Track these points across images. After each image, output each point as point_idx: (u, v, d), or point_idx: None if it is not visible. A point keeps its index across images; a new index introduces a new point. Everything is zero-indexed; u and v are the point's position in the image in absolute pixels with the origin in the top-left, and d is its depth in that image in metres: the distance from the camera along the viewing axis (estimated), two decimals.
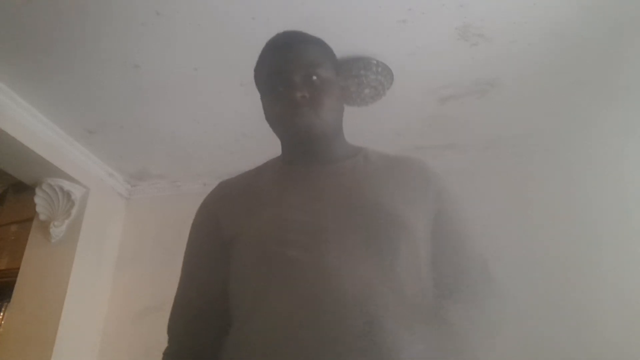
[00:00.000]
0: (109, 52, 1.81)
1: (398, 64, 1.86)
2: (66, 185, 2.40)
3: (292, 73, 0.92)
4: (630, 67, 1.86)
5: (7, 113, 2.02)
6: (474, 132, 2.29)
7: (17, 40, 1.75)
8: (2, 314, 2.86)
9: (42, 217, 2.42)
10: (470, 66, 1.87)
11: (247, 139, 2.32)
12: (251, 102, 2.11)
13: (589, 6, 1.59)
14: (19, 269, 2.37)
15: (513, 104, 2.08)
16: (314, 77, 0.93)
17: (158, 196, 2.77)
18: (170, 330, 0.96)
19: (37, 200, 2.41)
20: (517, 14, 1.64)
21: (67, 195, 2.42)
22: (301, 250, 0.81)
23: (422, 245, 0.88)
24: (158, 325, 2.74)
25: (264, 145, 2.67)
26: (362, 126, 2.10)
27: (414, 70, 1.90)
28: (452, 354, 0.80)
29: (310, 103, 0.90)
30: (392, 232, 0.84)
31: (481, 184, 2.22)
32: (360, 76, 1.87)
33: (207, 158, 2.53)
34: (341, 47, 1.76)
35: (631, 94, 2.00)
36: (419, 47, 1.79)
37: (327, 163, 0.95)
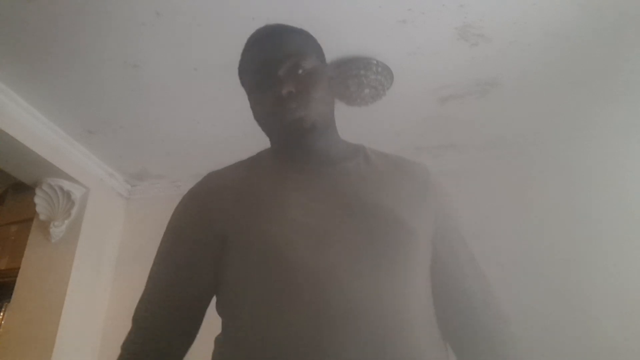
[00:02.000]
0: (109, 52, 1.81)
1: (398, 64, 1.86)
2: (66, 185, 2.40)
3: (275, 67, 0.88)
4: (630, 67, 1.86)
5: (7, 113, 2.02)
6: (474, 132, 2.28)
7: (18, 40, 1.75)
8: (2, 314, 2.86)
9: (42, 217, 2.42)
10: (470, 66, 1.87)
11: (247, 139, 2.30)
12: None
13: (589, 6, 1.59)
14: (19, 269, 2.37)
15: (513, 104, 2.08)
16: (300, 71, 0.89)
17: (158, 196, 2.76)
18: (137, 319, 0.90)
19: (37, 200, 2.41)
20: (517, 14, 1.63)
21: (67, 195, 2.42)
22: (306, 253, 0.79)
23: (424, 249, 0.87)
24: None
25: (264, 145, 2.67)
26: (362, 126, 2.10)
27: (414, 70, 1.90)
28: None
29: (297, 98, 0.87)
30: (397, 236, 0.83)
31: (481, 184, 2.22)
32: (360, 76, 1.87)
33: (207, 158, 2.52)
34: (341, 47, 1.76)
35: (631, 94, 2.00)
36: (419, 47, 1.79)
37: (326, 163, 0.92)
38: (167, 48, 1.79)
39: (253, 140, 2.61)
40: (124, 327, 0.93)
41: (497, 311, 0.90)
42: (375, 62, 1.84)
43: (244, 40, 1.01)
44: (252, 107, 0.97)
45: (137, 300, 0.93)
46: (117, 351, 0.90)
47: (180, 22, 1.67)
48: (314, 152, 0.92)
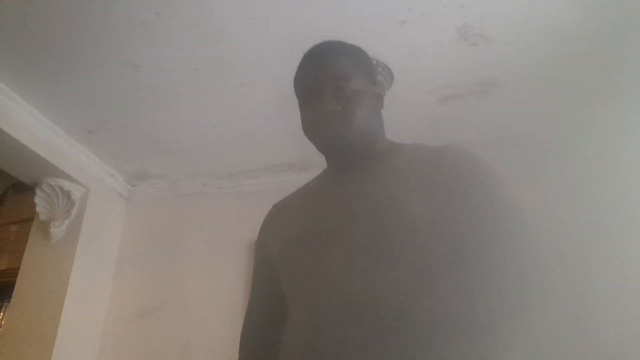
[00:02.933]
0: (109, 52, 1.81)
1: (398, 64, 1.86)
2: (66, 185, 2.40)
3: (322, 86, 0.93)
4: (630, 67, 1.86)
5: (7, 113, 2.02)
6: (474, 132, 2.28)
7: (18, 41, 1.75)
8: (2, 314, 2.86)
9: (42, 217, 2.42)
10: (470, 66, 1.87)
11: (247, 139, 2.32)
12: (251, 102, 2.13)
13: (589, 6, 1.59)
14: (19, 269, 2.37)
15: (513, 104, 2.08)
16: (346, 91, 0.93)
17: (158, 196, 2.77)
18: (241, 343, 1.04)
19: (37, 200, 2.41)
20: (517, 14, 1.64)
21: (67, 195, 2.42)
22: (310, 259, 0.85)
23: (436, 238, 0.81)
24: (158, 325, 2.76)
25: (264, 145, 2.69)
26: None
27: (414, 70, 1.90)
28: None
29: (341, 115, 0.91)
30: (403, 232, 0.81)
31: None
32: None
33: (207, 158, 2.53)
34: None
35: (631, 94, 2.00)
36: (419, 47, 1.79)
37: (359, 166, 0.96)
38: (167, 48, 1.79)
39: (253, 140, 2.62)
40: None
41: (507, 305, 0.79)
42: (375, 62, 1.84)
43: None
44: (302, 121, 1.01)
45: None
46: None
47: (180, 22, 1.67)
48: (354, 162, 0.97)
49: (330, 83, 0.93)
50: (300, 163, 2.46)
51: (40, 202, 2.42)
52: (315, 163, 2.76)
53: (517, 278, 0.79)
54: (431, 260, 0.80)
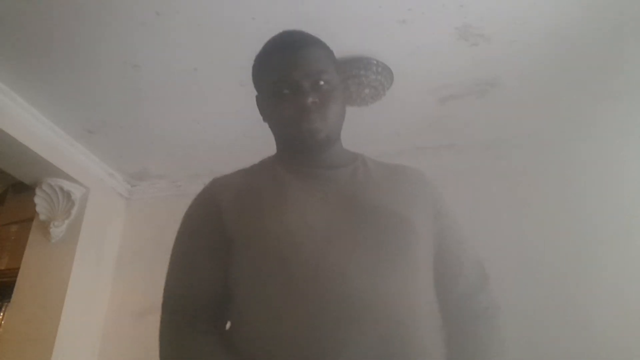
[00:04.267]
0: (109, 52, 1.81)
1: (398, 64, 1.86)
2: (66, 185, 2.40)
3: (300, 79, 0.92)
4: (630, 67, 1.86)
5: (7, 113, 2.02)
6: (474, 132, 2.29)
7: (17, 41, 1.75)
8: (2, 314, 2.86)
9: (42, 217, 2.42)
10: (470, 66, 1.87)
11: (247, 139, 2.31)
12: (251, 102, 2.12)
13: (589, 6, 1.59)
14: (19, 269, 2.37)
15: (513, 104, 2.08)
16: (322, 82, 0.93)
17: (158, 196, 2.76)
18: (168, 309, 0.92)
19: (37, 200, 2.41)
20: (517, 14, 1.63)
21: (67, 195, 2.42)
22: (308, 251, 0.82)
23: (425, 243, 0.90)
24: (158, 325, 2.74)
25: (264, 145, 2.67)
26: (362, 126, 2.11)
27: (414, 70, 1.90)
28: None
29: (319, 108, 0.91)
30: (398, 231, 0.86)
31: (481, 184, 2.22)
32: (360, 76, 1.87)
33: (207, 158, 2.53)
34: (341, 47, 1.76)
35: (631, 94, 2.00)
36: (419, 47, 1.79)
37: (327, 168, 0.96)
38: (167, 48, 1.79)
39: (253, 140, 2.61)
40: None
41: (489, 298, 0.96)
42: (375, 62, 1.84)
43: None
44: (265, 109, 1.00)
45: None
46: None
47: (180, 22, 1.67)
48: (319, 159, 0.97)
49: (308, 76, 0.93)
50: None
51: (40, 202, 2.42)
52: None
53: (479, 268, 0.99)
54: (423, 260, 0.89)
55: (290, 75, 0.93)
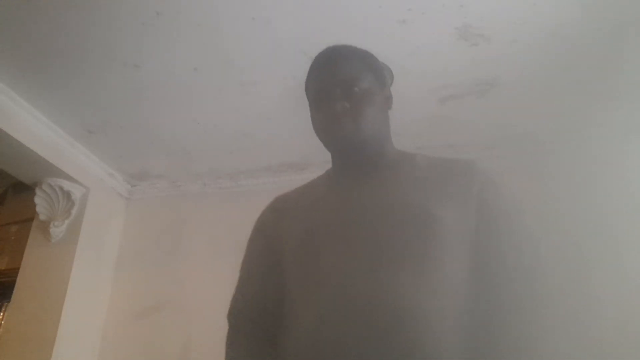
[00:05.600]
0: (109, 52, 1.81)
1: (398, 63, 1.86)
2: (66, 185, 2.40)
3: (333, 87, 0.96)
4: (630, 67, 1.86)
5: (7, 113, 2.02)
6: (474, 132, 2.28)
7: (17, 41, 1.75)
8: (2, 314, 2.86)
9: (42, 217, 2.42)
10: (470, 66, 1.87)
11: (247, 139, 2.32)
12: (251, 102, 2.13)
13: (589, 6, 1.59)
14: (19, 269, 2.37)
15: (513, 104, 2.08)
16: (355, 89, 0.95)
17: (158, 196, 2.76)
18: (231, 317, 1.02)
19: (37, 200, 2.41)
20: (517, 14, 1.63)
21: (67, 195, 2.42)
22: (329, 257, 0.86)
23: (455, 242, 0.86)
24: (158, 325, 2.75)
25: (264, 145, 2.69)
26: None
27: (414, 70, 1.90)
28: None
29: (350, 113, 0.93)
30: (419, 230, 0.85)
31: None
32: None
33: (207, 158, 2.53)
34: None
35: (631, 94, 2.00)
36: (419, 47, 1.79)
37: (371, 170, 0.98)
38: (167, 48, 1.79)
39: (253, 140, 2.62)
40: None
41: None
42: None
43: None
44: (312, 121, 1.04)
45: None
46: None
47: (180, 22, 1.67)
48: (363, 162, 0.99)
49: (340, 84, 0.96)
50: (300, 163, 2.46)
51: (40, 202, 2.42)
52: (315, 163, 2.77)
53: (527, 290, 0.87)
54: (447, 260, 0.84)
55: (324, 85, 0.97)
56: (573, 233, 2.06)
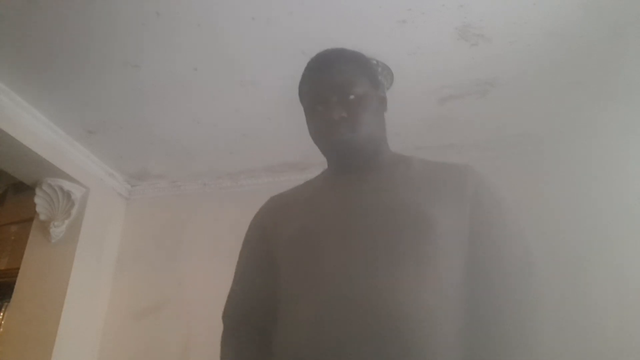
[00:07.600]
0: (109, 52, 1.81)
1: (398, 64, 1.86)
2: (66, 185, 2.40)
3: (329, 94, 0.97)
4: (630, 67, 1.86)
5: (7, 113, 2.02)
6: (474, 132, 2.28)
7: (17, 41, 1.75)
8: (2, 314, 2.86)
9: (42, 217, 2.42)
10: (470, 66, 1.87)
11: (247, 139, 2.32)
12: (251, 102, 2.13)
13: (589, 6, 1.59)
14: (19, 269, 2.37)
15: (513, 104, 2.08)
16: (351, 96, 0.97)
17: (158, 196, 2.77)
18: (225, 318, 1.04)
19: (37, 200, 2.41)
20: (517, 14, 1.63)
21: (67, 195, 2.42)
22: (325, 257, 0.86)
23: (450, 244, 0.86)
24: (158, 325, 2.75)
25: (264, 145, 2.69)
26: None
27: (414, 70, 1.90)
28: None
29: (348, 121, 0.95)
30: (415, 231, 0.86)
31: None
32: None
33: (207, 158, 2.53)
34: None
35: (631, 94, 2.00)
36: (419, 47, 1.79)
37: (367, 172, 0.99)
38: (167, 48, 1.79)
39: (253, 140, 2.62)
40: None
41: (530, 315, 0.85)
42: (375, 62, 1.84)
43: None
44: (307, 124, 1.05)
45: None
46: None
47: (180, 22, 1.67)
48: (356, 166, 1.00)
49: (336, 91, 0.97)
50: (300, 163, 2.46)
51: (40, 202, 2.42)
52: (315, 163, 2.75)
53: (525, 298, 0.85)
54: (442, 261, 0.85)
55: (320, 92, 0.99)
56: (572, 233, 2.06)
